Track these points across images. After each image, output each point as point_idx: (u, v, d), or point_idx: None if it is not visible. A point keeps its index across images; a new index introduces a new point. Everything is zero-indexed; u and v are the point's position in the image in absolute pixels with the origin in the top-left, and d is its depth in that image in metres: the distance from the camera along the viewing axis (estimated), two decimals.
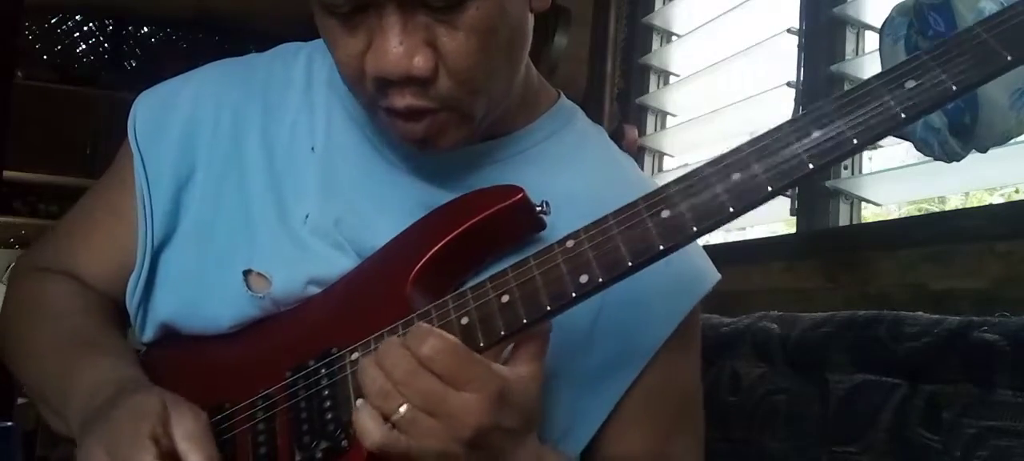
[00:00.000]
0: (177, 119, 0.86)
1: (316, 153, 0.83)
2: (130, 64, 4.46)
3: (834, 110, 0.61)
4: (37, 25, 4.29)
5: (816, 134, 0.61)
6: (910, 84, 0.59)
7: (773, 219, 1.73)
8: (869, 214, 1.55)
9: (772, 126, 0.63)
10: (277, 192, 0.82)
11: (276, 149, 0.84)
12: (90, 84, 4.17)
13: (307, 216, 0.81)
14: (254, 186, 0.83)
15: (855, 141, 0.60)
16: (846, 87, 1.41)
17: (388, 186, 0.81)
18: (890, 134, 0.61)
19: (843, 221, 1.52)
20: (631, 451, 0.81)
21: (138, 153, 0.85)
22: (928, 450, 0.89)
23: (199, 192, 0.85)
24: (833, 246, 1.46)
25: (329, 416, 0.71)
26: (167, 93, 0.88)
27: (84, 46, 4.43)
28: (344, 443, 0.69)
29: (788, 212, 1.58)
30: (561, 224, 0.76)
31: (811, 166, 0.60)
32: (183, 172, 0.85)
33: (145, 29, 4.47)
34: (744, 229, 1.88)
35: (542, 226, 0.78)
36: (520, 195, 0.75)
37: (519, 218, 0.77)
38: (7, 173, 2.79)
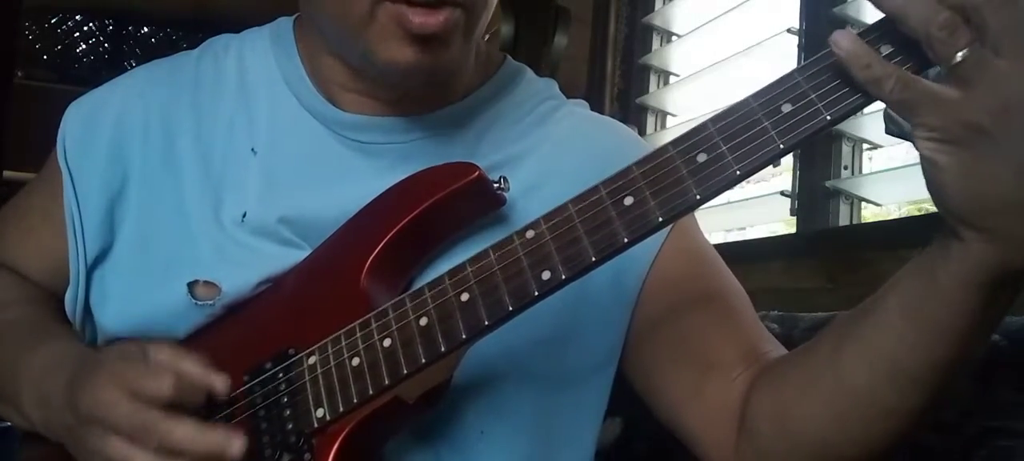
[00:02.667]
0: (104, 130, 0.83)
1: (258, 154, 0.80)
2: (130, 64, 4.47)
3: (805, 80, 0.57)
4: (37, 25, 4.29)
5: (787, 109, 0.57)
6: (886, 49, 0.55)
7: (773, 219, 1.72)
8: (869, 214, 1.54)
9: (737, 100, 0.59)
10: (215, 195, 0.80)
11: (212, 151, 0.81)
12: (90, 84, 4.16)
13: (244, 215, 0.78)
14: (190, 191, 0.80)
15: (828, 117, 0.56)
16: None
17: (342, 177, 0.79)
18: (866, 106, 0.57)
19: (843, 221, 1.52)
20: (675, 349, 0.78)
21: (67, 172, 0.83)
22: (928, 450, 0.89)
23: (134, 204, 0.82)
24: (833, 246, 1.45)
25: (289, 426, 0.69)
26: (94, 103, 0.86)
27: (84, 46, 4.43)
28: (308, 456, 0.68)
29: (788, 212, 1.58)
30: (523, 184, 0.76)
31: (781, 146, 0.56)
32: (114, 185, 0.82)
33: (145, 29, 4.47)
34: (744, 229, 1.88)
35: (501, 202, 0.75)
36: (476, 173, 0.72)
37: (476, 196, 0.74)
38: (7, 173, 2.79)
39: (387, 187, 0.75)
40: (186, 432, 0.66)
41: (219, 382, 0.70)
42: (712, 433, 0.74)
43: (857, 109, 0.56)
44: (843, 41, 0.55)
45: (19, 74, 3.37)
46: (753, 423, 0.70)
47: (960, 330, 0.57)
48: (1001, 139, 0.50)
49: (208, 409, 0.72)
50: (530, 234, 0.63)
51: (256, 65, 0.85)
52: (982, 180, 0.51)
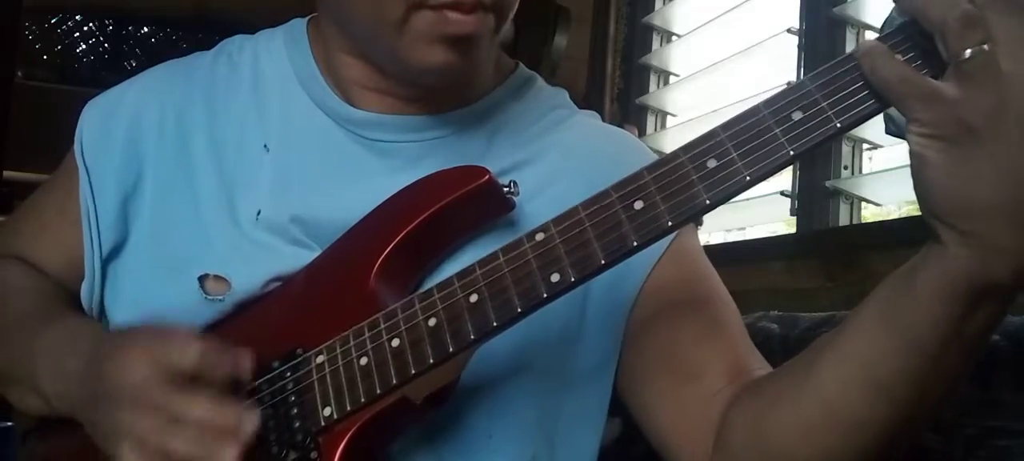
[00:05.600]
0: (121, 127, 0.84)
1: (270, 151, 0.81)
2: (130, 64, 4.45)
3: (816, 88, 0.57)
4: (37, 25, 4.28)
5: (797, 116, 0.57)
6: (900, 52, 0.56)
7: (773, 219, 1.73)
8: (869, 214, 1.55)
9: (746, 107, 0.59)
10: (228, 192, 0.81)
11: (225, 149, 0.82)
12: (90, 84, 4.16)
13: (259, 213, 0.79)
14: (204, 188, 0.81)
15: (838, 124, 0.56)
16: None
17: (354, 176, 0.79)
18: (877, 113, 0.57)
19: (843, 221, 1.52)
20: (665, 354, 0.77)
21: (84, 167, 0.84)
22: (928, 450, 0.89)
23: (148, 200, 0.83)
24: (833, 246, 1.46)
25: (297, 425, 0.69)
26: (111, 100, 0.87)
27: (84, 46, 4.42)
28: (314, 455, 0.68)
29: (788, 212, 1.58)
30: (531, 188, 0.77)
31: (792, 152, 0.57)
32: (129, 181, 0.83)
33: (145, 29, 4.46)
34: (744, 229, 1.88)
35: (511, 207, 0.75)
36: (486, 177, 0.72)
37: (486, 200, 0.74)
38: (7, 173, 2.79)
39: (399, 187, 0.76)
40: (202, 406, 0.66)
41: (242, 358, 0.70)
42: (688, 446, 0.73)
43: (868, 117, 0.57)
44: (863, 44, 0.56)
45: (19, 74, 3.37)
46: (728, 436, 0.69)
47: (933, 341, 0.56)
48: (991, 142, 0.51)
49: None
50: (540, 236, 0.63)
51: (270, 64, 0.85)
52: (968, 180, 0.52)
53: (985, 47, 0.51)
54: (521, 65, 0.89)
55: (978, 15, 0.51)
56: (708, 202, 0.58)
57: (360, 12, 0.73)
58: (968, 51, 0.51)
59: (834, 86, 0.57)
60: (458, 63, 0.72)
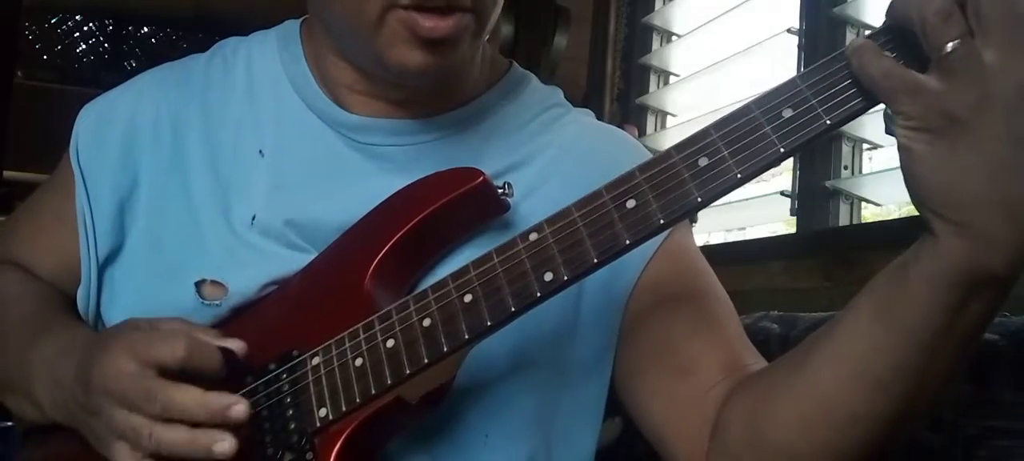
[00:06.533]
0: (115, 132, 0.84)
1: (265, 156, 0.81)
2: (130, 64, 4.46)
3: (806, 87, 0.58)
4: (37, 25, 4.28)
5: (787, 114, 0.58)
6: (888, 51, 0.56)
7: (773, 219, 1.73)
8: (869, 214, 1.55)
9: (738, 106, 0.60)
10: (224, 197, 0.80)
11: (221, 153, 0.82)
12: (90, 84, 4.16)
13: (254, 217, 0.79)
14: (199, 192, 0.81)
15: (828, 122, 0.57)
16: None
17: (348, 180, 0.79)
18: (866, 110, 0.58)
19: (843, 221, 1.52)
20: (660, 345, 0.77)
21: (79, 172, 0.84)
22: (928, 449, 0.89)
23: (144, 205, 0.83)
24: (833, 246, 1.46)
25: (292, 426, 0.69)
26: (106, 105, 0.87)
27: (84, 46, 4.42)
28: (309, 456, 0.68)
29: (788, 212, 1.58)
30: (526, 188, 0.76)
31: (782, 150, 0.57)
32: (125, 186, 0.83)
33: (145, 29, 4.46)
34: (744, 229, 1.88)
35: (505, 208, 0.76)
36: (481, 179, 0.73)
37: (480, 202, 0.74)
38: (7, 173, 2.79)
39: (393, 190, 0.76)
40: (189, 396, 0.66)
41: (234, 343, 0.69)
42: (684, 441, 0.73)
43: (857, 114, 0.57)
44: (853, 41, 0.57)
45: (19, 74, 3.37)
46: (724, 430, 0.69)
47: (928, 334, 0.56)
48: (978, 132, 0.51)
49: None
50: (533, 236, 0.63)
51: (263, 67, 0.85)
52: (956, 171, 0.52)
53: (965, 40, 0.51)
54: (515, 64, 0.89)
55: (954, 9, 0.52)
56: (699, 200, 0.59)
57: (339, 12, 0.73)
58: (949, 45, 0.52)
59: (824, 84, 0.58)
60: (437, 65, 0.71)
